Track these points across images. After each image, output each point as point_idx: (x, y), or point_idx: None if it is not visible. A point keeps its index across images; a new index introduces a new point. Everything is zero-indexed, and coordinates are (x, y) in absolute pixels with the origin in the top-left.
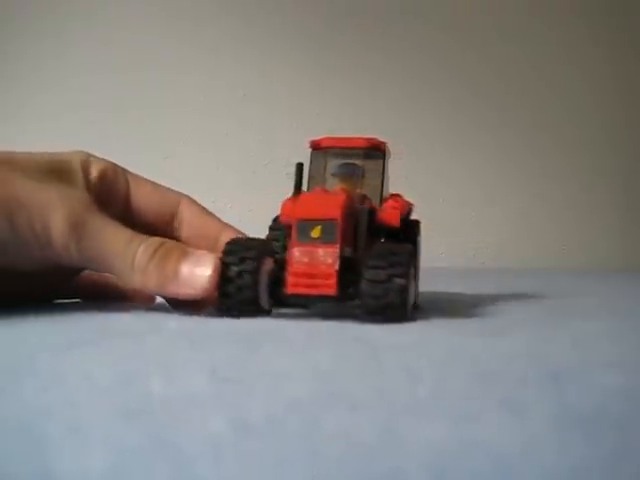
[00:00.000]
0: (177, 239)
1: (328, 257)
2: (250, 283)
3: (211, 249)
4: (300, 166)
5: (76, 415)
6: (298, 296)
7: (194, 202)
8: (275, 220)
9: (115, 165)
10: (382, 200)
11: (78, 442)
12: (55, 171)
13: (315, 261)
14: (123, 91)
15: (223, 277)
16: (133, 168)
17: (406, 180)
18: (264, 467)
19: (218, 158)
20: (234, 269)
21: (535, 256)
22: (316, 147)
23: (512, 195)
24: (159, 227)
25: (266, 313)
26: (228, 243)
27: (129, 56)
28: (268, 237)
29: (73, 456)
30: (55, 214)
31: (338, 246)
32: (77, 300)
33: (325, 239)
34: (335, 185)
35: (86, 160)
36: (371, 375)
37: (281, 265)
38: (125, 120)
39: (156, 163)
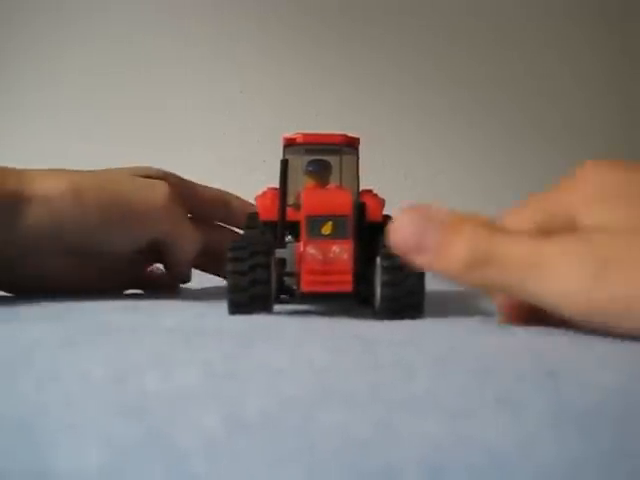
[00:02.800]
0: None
1: (343, 253)
2: (264, 278)
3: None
4: (285, 162)
5: (72, 412)
6: (313, 294)
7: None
8: (252, 218)
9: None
10: (358, 195)
11: (74, 439)
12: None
13: (330, 257)
14: (120, 89)
15: (235, 271)
16: (131, 165)
17: (405, 179)
18: (259, 463)
19: (216, 156)
20: (246, 263)
21: None
22: (290, 143)
23: (510, 194)
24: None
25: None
26: (237, 238)
27: (126, 54)
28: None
29: (69, 453)
30: None
31: (352, 242)
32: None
33: (337, 235)
34: (305, 182)
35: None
36: (367, 371)
37: (282, 263)
38: (122, 119)
39: (154, 161)
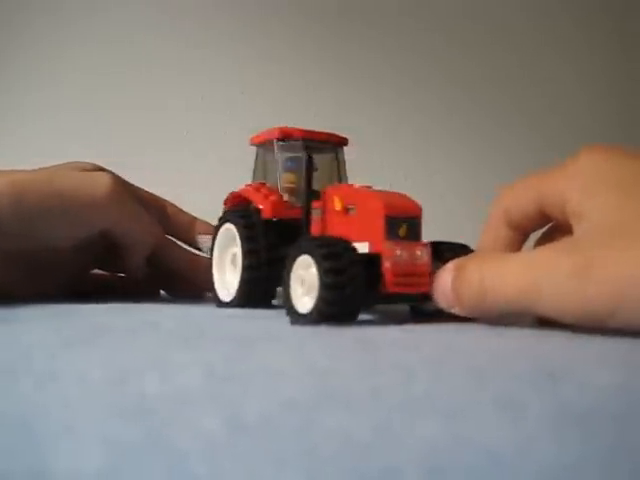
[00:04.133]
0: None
1: (424, 255)
2: (360, 282)
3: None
4: (310, 159)
5: (71, 413)
6: (399, 295)
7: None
8: (245, 217)
9: None
10: None
11: (73, 440)
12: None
13: (413, 259)
14: (121, 90)
15: (333, 285)
16: (132, 166)
17: (405, 179)
18: (259, 466)
19: (216, 156)
20: (345, 274)
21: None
22: (286, 137)
23: None
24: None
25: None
26: (319, 243)
27: (126, 55)
28: (248, 236)
29: (68, 454)
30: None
31: (428, 244)
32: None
33: (411, 237)
34: (284, 179)
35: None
36: (366, 373)
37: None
38: (122, 119)
39: (154, 162)
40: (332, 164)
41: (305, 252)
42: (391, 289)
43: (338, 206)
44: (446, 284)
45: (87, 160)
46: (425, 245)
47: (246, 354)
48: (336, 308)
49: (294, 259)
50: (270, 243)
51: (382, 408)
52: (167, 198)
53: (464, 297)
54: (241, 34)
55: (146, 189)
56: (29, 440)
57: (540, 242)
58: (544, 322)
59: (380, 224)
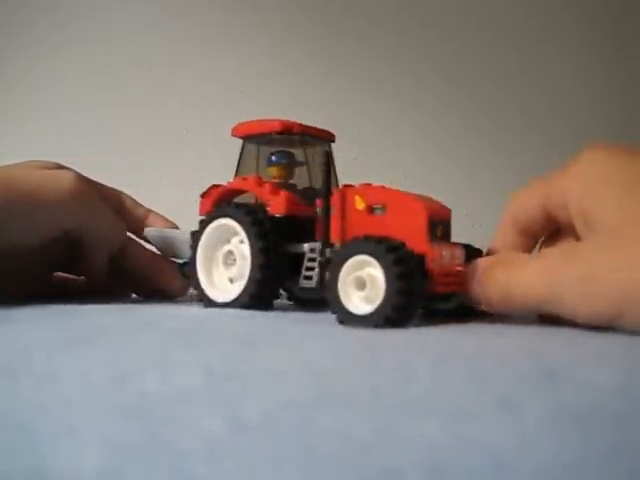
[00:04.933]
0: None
1: (461, 255)
2: (423, 287)
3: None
4: (327, 154)
5: (71, 413)
6: (442, 294)
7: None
8: (252, 212)
9: None
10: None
11: (73, 440)
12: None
13: (452, 260)
14: (120, 90)
15: (405, 290)
16: (132, 167)
17: (404, 177)
18: (259, 465)
19: (217, 156)
20: (409, 272)
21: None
22: (286, 131)
23: (506, 194)
24: None
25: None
26: (384, 245)
27: (126, 54)
28: (259, 233)
29: (68, 454)
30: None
31: (462, 245)
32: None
33: (444, 238)
34: (269, 174)
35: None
36: (366, 373)
37: None
38: (122, 118)
39: (154, 162)
40: (323, 159)
41: (363, 252)
42: (438, 289)
43: (360, 205)
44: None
45: (86, 160)
46: (460, 246)
47: (246, 354)
48: (401, 313)
49: (346, 258)
50: (279, 240)
51: (382, 408)
52: (167, 198)
53: (492, 295)
54: (241, 34)
55: (145, 189)
56: (29, 440)
57: (547, 242)
58: (543, 318)
59: (422, 225)
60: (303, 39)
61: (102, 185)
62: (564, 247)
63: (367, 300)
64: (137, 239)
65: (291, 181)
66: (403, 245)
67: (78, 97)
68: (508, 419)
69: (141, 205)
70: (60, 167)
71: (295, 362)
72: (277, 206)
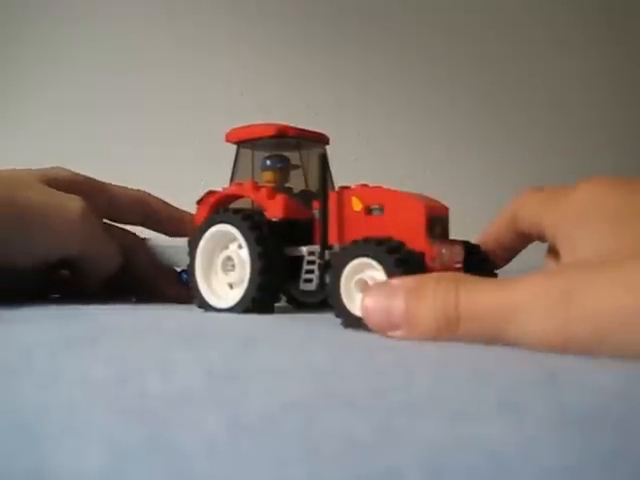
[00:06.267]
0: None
1: (460, 252)
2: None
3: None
4: (324, 157)
5: (72, 413)
6: None
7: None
8: (250, 217)
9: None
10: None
11: (75, 440)
12: None
13: (452, 257)
14: (120, 90)
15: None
16: (132, 167)
17: (404, 177)
18: (260, 466)
19: (217, 157)
20: (410, 273)
21: (532, 254)
22: (282, 135)
23: (508, 194)
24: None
25: None
26: (384, 247)
27: (126, 56)
28: (258, 237)
29: (70, 454)
30: None
31: (461, 243)
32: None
33: (443, 236)
34: (264, 178)
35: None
36: (368, 374)
37: None
38: (122, 119)
39: (154, 162)
40: (319, 161)
41: (363, 255)
42: None
43: (358, 206)
44: (371, 310)
45: (86, 160)
46: (460, 243)
47: (248, 354)
48: None
49: (346, 261)
50: (278, 244)
51: (384, 409)
52: (167, 198)
53: (421, 322)
54: (241, 34)
55: (146, 189)
56: (30, 440)
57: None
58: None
59: (421, 224)
60: (303, 39)
61: (121, 188)
62: (540, 273)
63: None
64: (144, 245)
65: (287, 184)
66: (403, 245)
67: (79, 97)
68: (509, 420)
69: (173, 207)
70: (74, 178)
71: (296, 363)
72: (274, 210)
